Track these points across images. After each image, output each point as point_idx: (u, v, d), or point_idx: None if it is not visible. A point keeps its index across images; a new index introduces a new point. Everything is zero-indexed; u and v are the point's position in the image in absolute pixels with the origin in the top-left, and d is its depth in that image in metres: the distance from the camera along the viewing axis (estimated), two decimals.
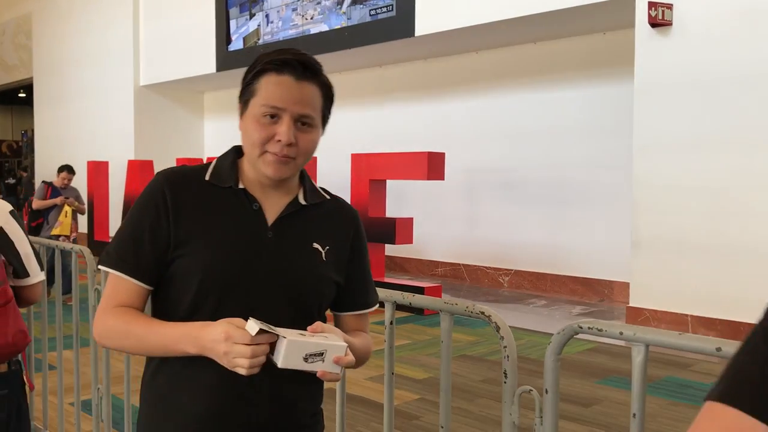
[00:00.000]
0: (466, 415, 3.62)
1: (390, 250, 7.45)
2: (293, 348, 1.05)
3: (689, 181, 5.31)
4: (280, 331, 1.07)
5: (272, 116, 1.21)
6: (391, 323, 1.52)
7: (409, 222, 6.34)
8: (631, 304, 5.69)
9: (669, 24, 5.40)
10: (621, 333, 1.16)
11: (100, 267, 1.29)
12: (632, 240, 5.66)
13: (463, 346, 5.05)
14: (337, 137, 9.11)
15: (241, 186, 1.29)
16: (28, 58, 14.88)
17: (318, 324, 1.16)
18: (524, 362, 4.47)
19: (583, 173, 7.28)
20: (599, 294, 7.18)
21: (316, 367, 1.07)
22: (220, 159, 1.34)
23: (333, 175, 8.19)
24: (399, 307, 1.52)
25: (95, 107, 12.39)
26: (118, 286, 1.26)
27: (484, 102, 8.15)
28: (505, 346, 1.31)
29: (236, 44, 9.96)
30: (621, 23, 6.56)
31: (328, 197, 1.38)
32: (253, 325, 1.06)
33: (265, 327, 1.06)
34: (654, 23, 5.42)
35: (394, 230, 6.24)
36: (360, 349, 1.26)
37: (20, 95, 17.42)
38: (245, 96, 1.27)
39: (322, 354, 1.06)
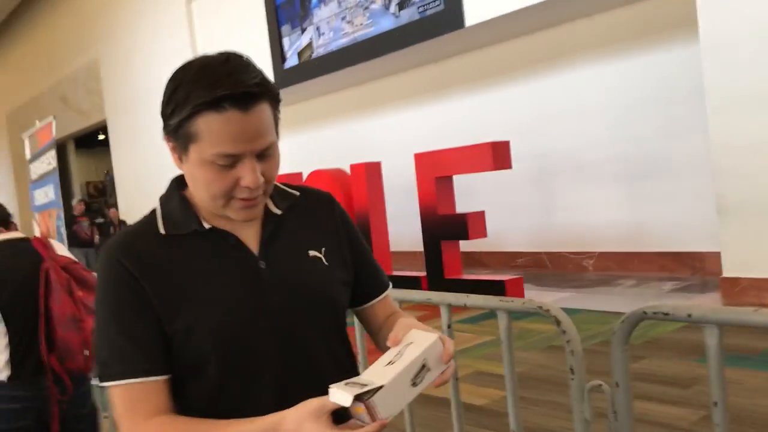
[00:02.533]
0: (557, 408, 3.49)
1: (468, 245, 7.32)
2: (396, 388, 0.86)
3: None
4: (368, 378, 0.89)
5: (229, 162, 1.03)
6: (449, 326, 1.44)
7: (480, 216, 6.22)
8: (725, 275, 5.39)
9: None
10: (689, 315, 1.05)
11: (102, 384, 1.07)
12: (718, 207, 5.36)
13: (550, 336, 4.89)
14: (401, 138, 9.08)
15: (207, 225, 1.11)
16: (100, 102, 15.52)
17: (396, 334, 0.99)
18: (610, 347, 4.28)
19: (658, 144, 6.97)
20: (690, 267, 6.84)
21: (428, 381, 0.91)
22: (165, 203, 1.16)
23: (399, 177, 8.15)
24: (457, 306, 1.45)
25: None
26: (135, 395, 1.04)
27: (544, 84, 7.92)
28: (568, 341, 1.22)
29: (291, 61, 10.06)
30: None
31: (297, 193, 1.22)
32: (340, 394, 0.87)
33: (355, 388, 0.86)
34: None
35: (466, 226, 6.13)
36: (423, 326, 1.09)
37: (99, 137, 18.18)
38: (179, 138, 1.06)
39: (424, 365, 0.90)
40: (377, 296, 1.25)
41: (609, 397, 1.17)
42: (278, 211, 1.16)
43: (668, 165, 6.90)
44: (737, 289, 5.25)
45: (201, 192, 1.08)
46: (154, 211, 1.15)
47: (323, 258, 1.16)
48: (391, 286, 1.30)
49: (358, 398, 0.84)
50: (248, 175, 1.02)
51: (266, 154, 1.05)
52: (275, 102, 1.08)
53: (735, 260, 5.28)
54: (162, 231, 1.11)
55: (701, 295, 5.75)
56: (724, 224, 5.35)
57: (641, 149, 7.09)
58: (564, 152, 7.79)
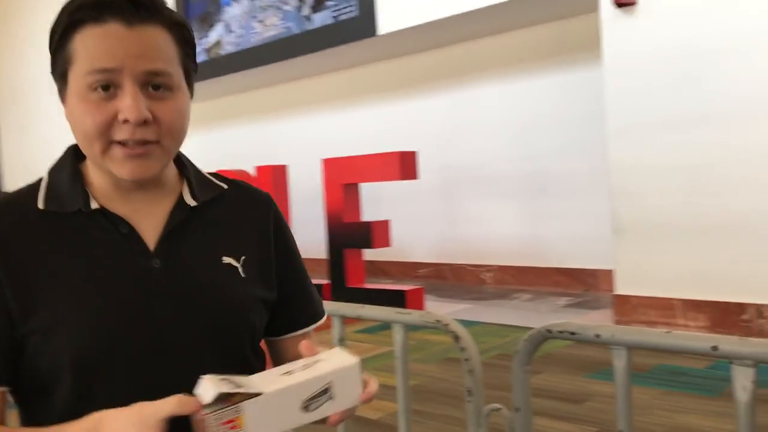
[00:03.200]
0: (452, 422, 3.45)
1: (371, 254, 7.26)
2: (279, 403, 0.69)
3: (667, 161, 5.20)
4: (252, 381, 0.72)
5: (105, 87, 0.83)
6: (341, 340, 1.35)
7: (385, 225, 6.17)
8: (617, 292, 5.56)
9: (634, 3, 5.27)
10: (597, 336, 1.00)
11: None
12: (613, 226, 5.52)
13: (449, 347, 4.88)
14: (309, 143, 8.94)
15: (94, 206, 0.90)
16: None
17: (311, 343, 0.83)
18: (508, 360, 4.31)
19: (558, 162, 7.15)
20: (584, 284, 7.05)
21: (325, 412, 0.75)
22: (53, 171, 0.93)
23: (305, 182, 8.02)
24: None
25: (58, 132, 12.11)
26: None
27: (453, 97, 8.00)
28: (466, 359, 1.14)
29: (200, 57, 9.74)
30: (585, 7, 6.44)
31: (225, 186, 1.02)
32: (207, 386, 0.71)
33: (228, 386, 0.70)
34: (619, 3, 5.29)
35: (371, 234, 6.06)
36: None
37: None
38: (58, 69, 0.88)
39: (327, 390, 0.73)
40: (301, 328, 1.05)
41: (508, 422, 1.10)
42: (193, 203, 0.96)
43: (568, 183, 7.09)
44: (628, 307, 5.41)
45: (79, 137, 0.88)
46: (39, 181, 0.94)
47: (240, 268, 0.96)
48: (324, 318, 1.10)
49: (224, 398, 0.68)
50: (127, 103, 0.82)
51: (158, 86, 0.86)
52: (182, 36, 0.90)
53: (627, 278, 5.45)
54: (40, 205, 0.90)
55: (594, 311, 5.92)
56: (618, 243, 5.52)
57: (542, 166, 7.25)
58: (468, 165, 7.88)
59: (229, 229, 0.99)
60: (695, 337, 0.89)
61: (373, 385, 0.83)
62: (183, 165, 1.01)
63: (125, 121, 0.84)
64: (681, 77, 5.09)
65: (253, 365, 0.98)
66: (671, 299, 5.20)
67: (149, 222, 0.94)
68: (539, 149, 7.26)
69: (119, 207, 0.92)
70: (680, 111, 5.10)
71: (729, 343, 0.80)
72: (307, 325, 1.08)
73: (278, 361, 1.07)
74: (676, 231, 5.16)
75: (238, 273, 0.97)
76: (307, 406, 0.74)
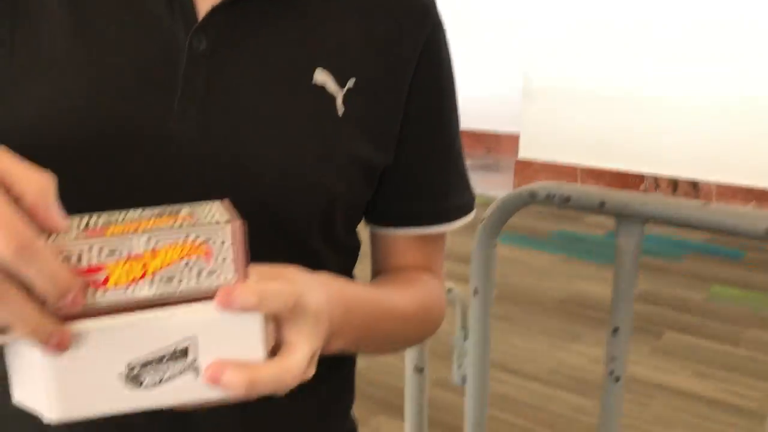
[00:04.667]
0: None
1: None
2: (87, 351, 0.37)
3: (579, 24, 4.98)
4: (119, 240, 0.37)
5: None
6: None
7: None
8: (520, 156, 5.48)
9: None
10: (603, 204, 0.75)
11: None
12: (524, 89, 5.34)
13: None
14: None
15: None
16: None
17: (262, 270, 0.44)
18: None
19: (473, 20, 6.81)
20: (486, 147, 6.96)
21: (177, 393, 0.39)
22: None
23: None
24: None
25: None
26: None
27: None
28: None
29: None
30: None
31: None
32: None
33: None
34: None
35: None
36: (409, 316, 0.61)
37: None
38: None
39: (187, 350, 0.38)
40: (422, 224, 0.65)
41: (459, 308, 0.85)
42: None
43: (476, 40, 6.80)
44: (529, 171, 5.36)
45: None
46: None
47: (340, 97, 0.58)
48: (471, 216, 0.69)
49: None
50: None
51: None
52: None
53: (531, 142, 5.36)
54: None
55: (494, 174, 5.87)
56: (527, 106, 5.37)
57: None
58: None
59: (340, 30, 0.59)
60: (751, 215, 0.66)
61: (296, 354, 0.42)
62: None
63: None
64: None
65: (326, 263, 0.60)
66: (574, 166, 5.17)
67: None
68: None
69: None
70: None
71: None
72: (433, 223, 0.66)
73: (379, 266, 0.69)
74: (583, 98, 5.05)
75: (333, 106, 0.58)
76: (136, 377, 0.38)
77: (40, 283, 0.34)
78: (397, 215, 0.65)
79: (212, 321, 0.39)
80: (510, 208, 0.80)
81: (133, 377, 0.38)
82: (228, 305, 0.38)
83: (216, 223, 0.38)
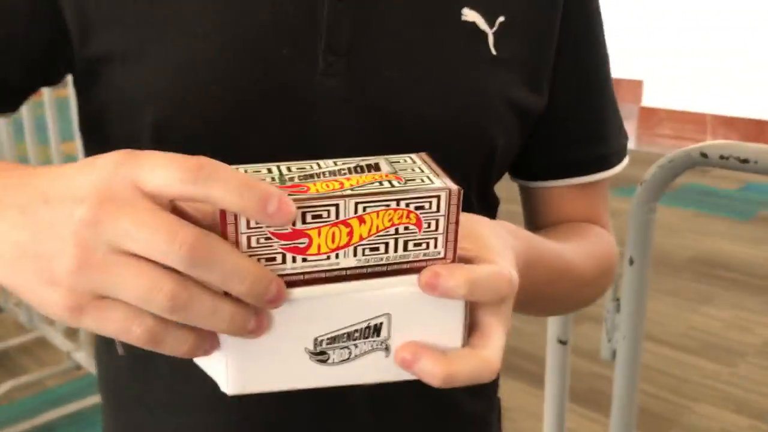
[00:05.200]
0: None
1: None
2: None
3: None
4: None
5: None
6: None
7: None
8: (643, 104, 5.19)
9: None
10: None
11: None
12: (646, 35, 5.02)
13: None
14: None
15: None
16: None
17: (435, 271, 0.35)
18: None
19: None
20: None
21: (362, 373, 0.35)
22: None
23: None
24: None
25: None
26: None
27: None
28: None
29: None
30: None
31: None
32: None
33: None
34: None
35: None
36: (586, 275, 0.55)
37: None
38: None
39: (378, 330, 0.34)
40: (581, 173, 0.60)
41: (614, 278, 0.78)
42: None
43: None
44: (654, 119, 5.07)
45: None
46: None
47: (490, 35, 0.52)
48: (624, 164, 0.62)
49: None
50: None
51: None
52: None
53: (655, 89, 5.06)
54: None
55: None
56: (651, 53, 5.05)
57: None
58: None
59: None
60: None
61: (495, 342, 0.37)
62: None
63: None
64: None
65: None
66: (703, 114, 4.83)
67: None
68: None
69: None
70: None
71: None
72: (595, 169, 0.60)
73: (537, 224, 0.63)
74: (713, 44, 4.69)
75: (486, 46, 0.52)
76: (323, 353, 0.35)
77: (230, 286, 0.30)
78: (554, 165, 0.59)
79: (412, 299, 0.34)
80: (676, 169, 0.71)
81: (320, 353, 0.34)
82: (433, 290, 0.34)
83: (432, 188, 0.33)
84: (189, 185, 0.29)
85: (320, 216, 0.32)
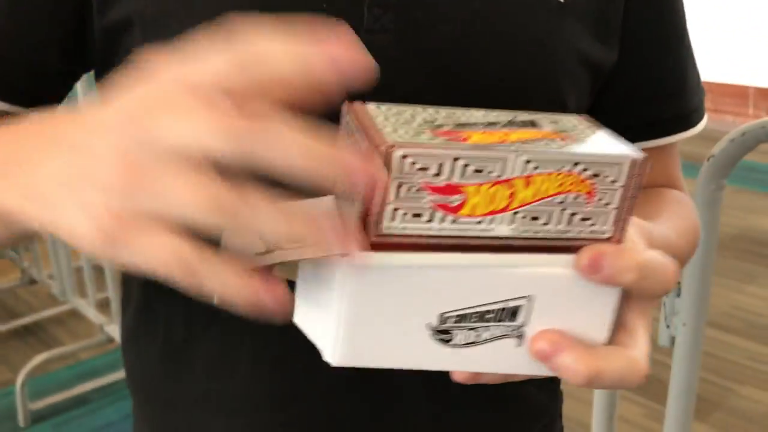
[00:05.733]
0: None
1: None
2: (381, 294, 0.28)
3: None
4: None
5: None
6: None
7: None
8: None
9: None
10: None
11: None
12: None
13: None
14: None
15: None
16: None
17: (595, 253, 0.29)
18: None
19: None
20: None
21: (492, 360, 0.30)
22: None
23: None
24: None
25: None
26: None
27: None
28: None
29: None
30: None
31: None
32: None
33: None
34: None
35: None
36: (682, 251, 0.49)
37: None
38: None
39: (514, 313, 0.29)
40: (654, 135, 0.54)
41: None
42: None
43: None
44: None
45: None
46: None
47: None
48: (703, 124, 0.56)
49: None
50: None
51: None
52: None
53: None
54: None
55: None
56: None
57: None
58: None
59: None
60: None
61: (641, 343, 0.32)
62: None
63: None
64: None
65: None
66: (745, 86, 4.67)
67: None
68: None
69: None
70: None
71: None
72: (668, 133, 0.54)
73: None
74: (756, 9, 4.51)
75: None
76: (446, 332, 0.30)
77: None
78: (629, 126, 0.50)
79: (562, 282, 0.29)
80: (748, 143, 0.65)
81: (443, 331, 0.29)
82: (595, 272, 0.28)
83: (613, 153, 0.28)
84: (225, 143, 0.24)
85: (482, 171, 0.26)
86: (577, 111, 0.50)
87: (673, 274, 0.31)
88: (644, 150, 0.54)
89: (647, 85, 0.53)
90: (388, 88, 0.43)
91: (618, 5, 0.50)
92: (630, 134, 0.53)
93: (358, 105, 0.30)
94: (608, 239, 0.29)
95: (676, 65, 0.54)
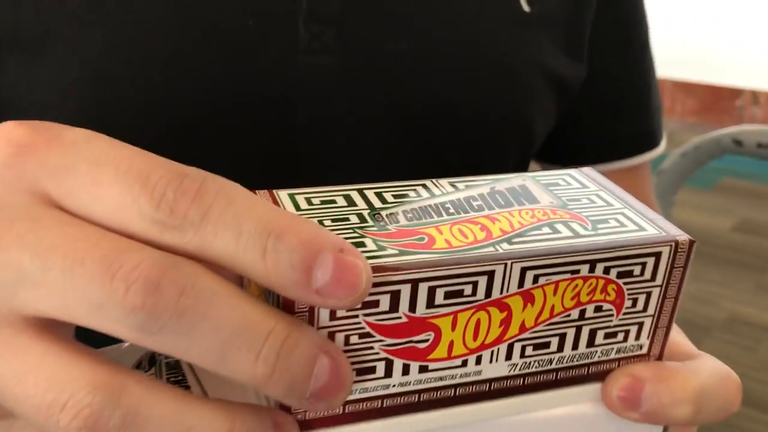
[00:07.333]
0: None
1: None
2: None
3: None
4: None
5: None
6: None
7: None
8: None
9: None
10: None
11: None
12: None
13: None
14: None
15: None
16: None
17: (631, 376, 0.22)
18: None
19: None
20: None
21: None
22: None
23: None
24: None
25: None
26: None
27: None
28: None
29: None
30: None
31: None
32: None
33: None
34: None
35: None
36: None
37: None
38: None
39: None
40: (622, 155, 0.49)
41: None
42: None
43: None
44: None
45: None
46: None
47: None
48: (662, 147, 0.52)
49: None
50: None
51: None
52: None
53: None
54: None
55: None
56: None
57: None
58: None
59: None
60: None
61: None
62: None
63: None
64: None
65: None
66: (662, 80, 4.80)
67: None
68: None
69: None
70: None
71: None
72: (641, 149, 0.50)
73: None
74: (673, 6, 4.65)
75: (517, 3, 0.41)
76: None
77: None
78: (596, 147, 0.48)
79: (587, 423, 0.20)
80: (702, 158, 0.61)
81: None
82: (631, 409, 0.20)
83: (647, 238, 0.19)
84: (158, 226, 0.16)
85: (458, 294, 0.18)
86: (544, 135, 0.43)
87: (738, 391, 0.23)
88: (615, 173, 0.48)
89: (616, 101, 0.49)
90: (334, 121, 0.35)
91: (588, 16, 0.44)
92: (596, 155, 0.48)
93: (272, 196, 0.21)
94: (644, 356, 0.21)
95: (643, 80, 0.50)
